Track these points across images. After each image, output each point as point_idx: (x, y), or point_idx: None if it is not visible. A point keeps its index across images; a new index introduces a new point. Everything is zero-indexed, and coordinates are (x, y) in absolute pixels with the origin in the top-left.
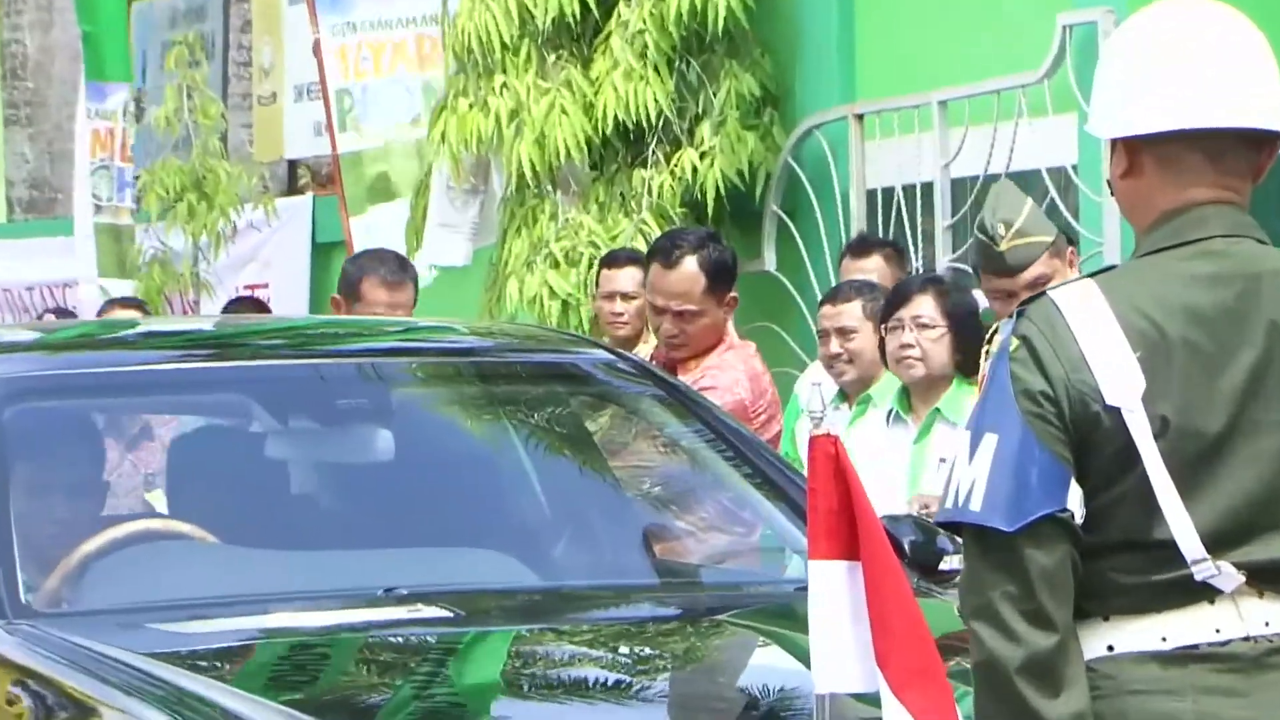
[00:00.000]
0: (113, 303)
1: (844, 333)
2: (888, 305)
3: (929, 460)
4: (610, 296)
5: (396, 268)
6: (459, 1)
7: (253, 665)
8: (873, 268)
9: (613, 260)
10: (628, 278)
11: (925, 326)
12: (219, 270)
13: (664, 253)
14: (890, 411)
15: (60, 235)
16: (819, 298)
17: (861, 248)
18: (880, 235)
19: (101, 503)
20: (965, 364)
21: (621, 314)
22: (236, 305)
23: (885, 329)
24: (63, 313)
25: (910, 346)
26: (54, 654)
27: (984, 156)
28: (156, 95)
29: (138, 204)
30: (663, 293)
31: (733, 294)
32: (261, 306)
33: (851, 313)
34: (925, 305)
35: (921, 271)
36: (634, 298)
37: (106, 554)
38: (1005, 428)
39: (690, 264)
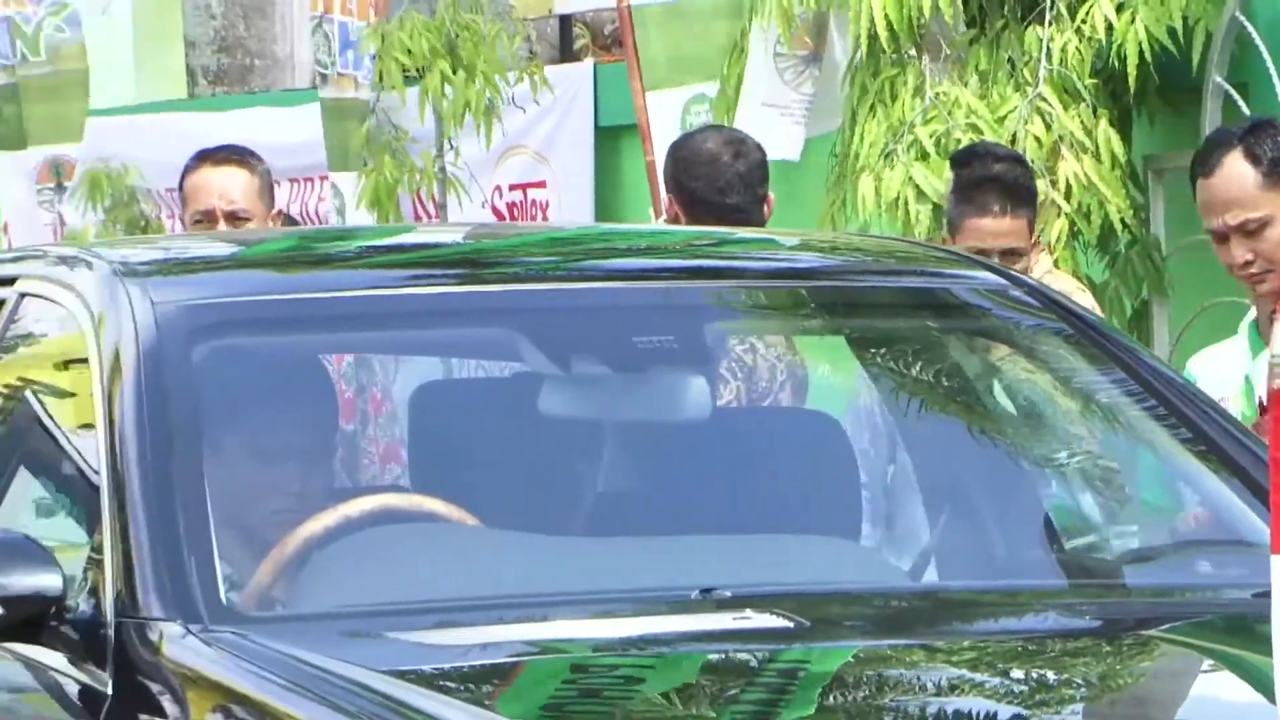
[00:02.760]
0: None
1: (1244, 229)
2: None
3: None
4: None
5: (728, 140)
6: None
7: (524, 690)
8: None
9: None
10: None
11: None
12: (472, 164)
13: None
14: None
15: (260, 109)
16: None
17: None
18: None
19: (327, 472)
20: None
21: None
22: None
23: None
24: (285, 220)
25: None
26: (265, 670)
27: None
28: None
29: (376, 74)
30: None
31: None
32: (294, 224)
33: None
34: None
35: None
36: None
37: (334, 540)
38: None
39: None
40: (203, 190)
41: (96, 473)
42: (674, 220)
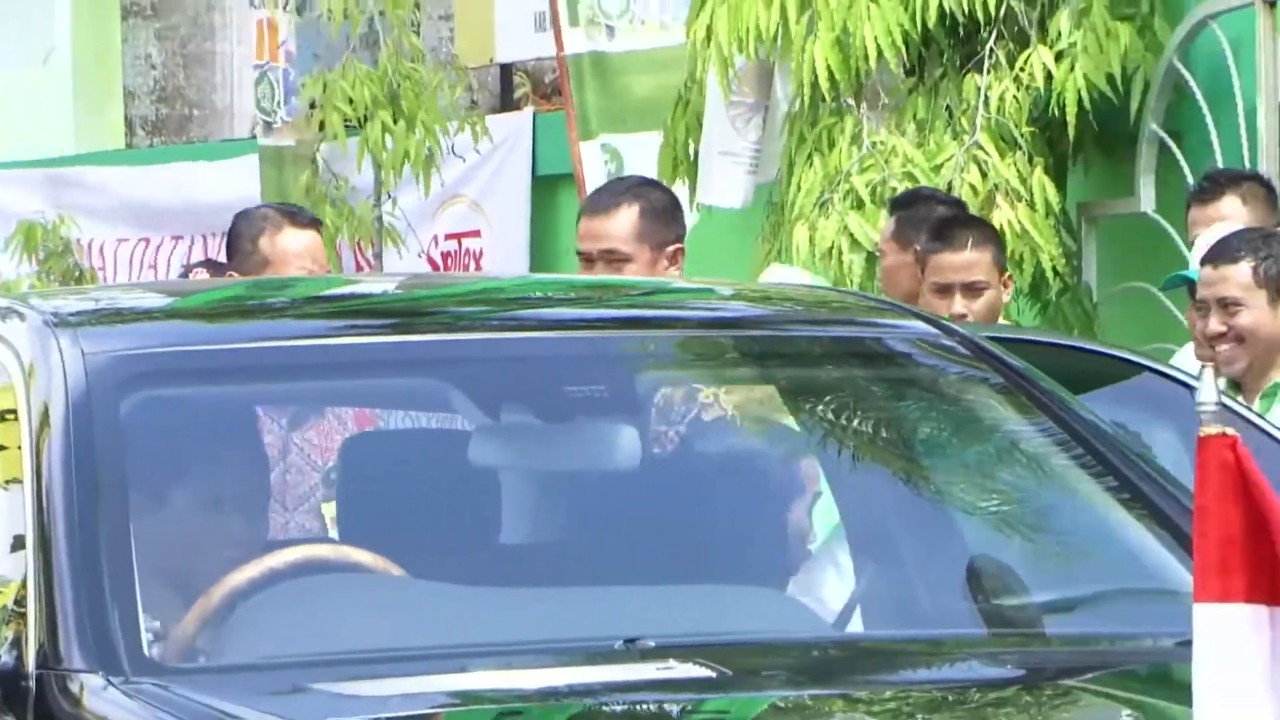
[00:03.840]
0: (196, 268)
1: (1227, 305)
2: None
3: None
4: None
5: (611, 191)
6: None
7: None
8: (1227, 213)
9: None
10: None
11: None
12: (410, 214)
13: None
14: None
15: (202, 162)
16: None
17: (1209, 189)
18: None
19: (254, 523)
20: None
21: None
22: (194, 272)
23: None
24: (216, 268)
25: None
26: None
27: None
28: None
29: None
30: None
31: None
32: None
33: (1237, 277)
34: None
35: None
36: None
37: (258, 591)
38: None
39: None
40: (294, 254)
41: (24, 523)
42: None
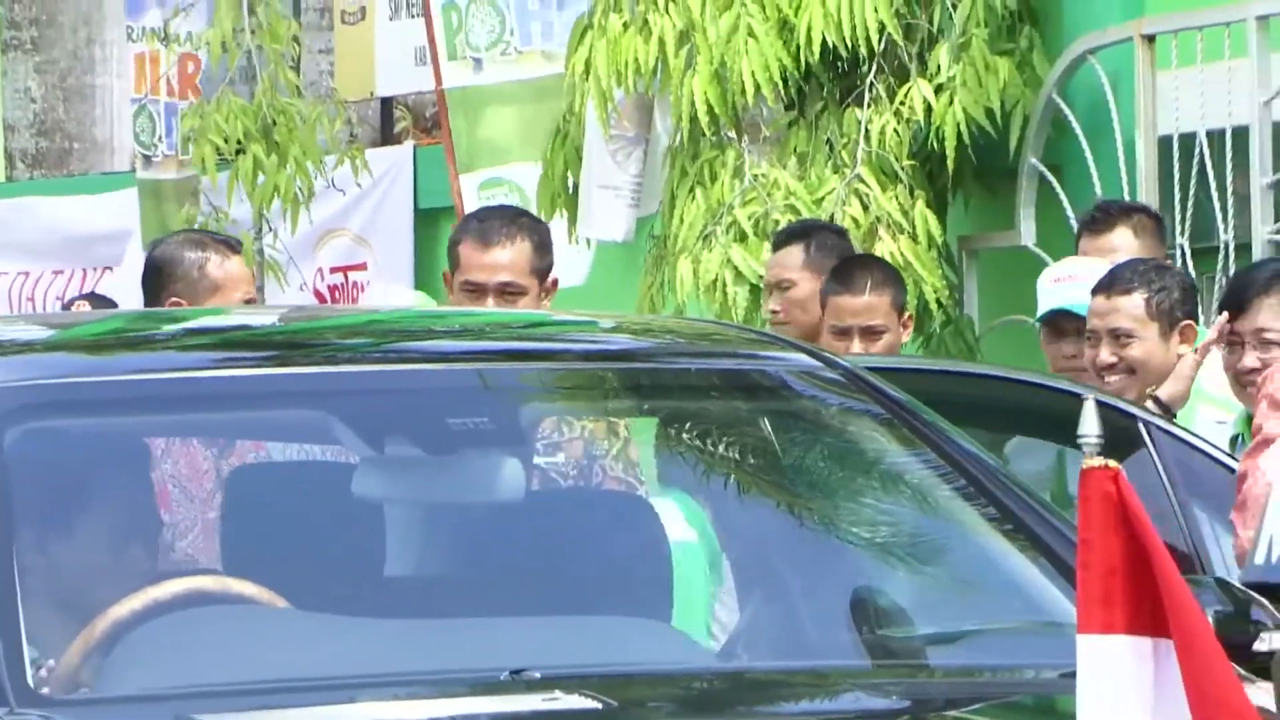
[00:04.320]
0: (77, 301)
1: (1118, 336)
2: (1221, 309)
3: None
4: (767, 287)
5: (504, 222)
6: None
7: None
8: (1118, 245)
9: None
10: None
11: (1272, 345)
12: (292, 247)
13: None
14: (1236, 437)
15: (82, 195)
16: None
17: (1100, 220)
18: (1180, 193)
19: (139, 555)
20: None
21: (777, 311)
22: (75, 305)
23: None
24: (100, 301)
25: (1253, 372)
26: None
27: None
28: (203, 8)
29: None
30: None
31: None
32: (110, 305)
33: (1130, 309)
34: (1271, 312)
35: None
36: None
37: (143, 622)
38: None
39: None
40: (244, 280)
41: None
42: (450, 293)
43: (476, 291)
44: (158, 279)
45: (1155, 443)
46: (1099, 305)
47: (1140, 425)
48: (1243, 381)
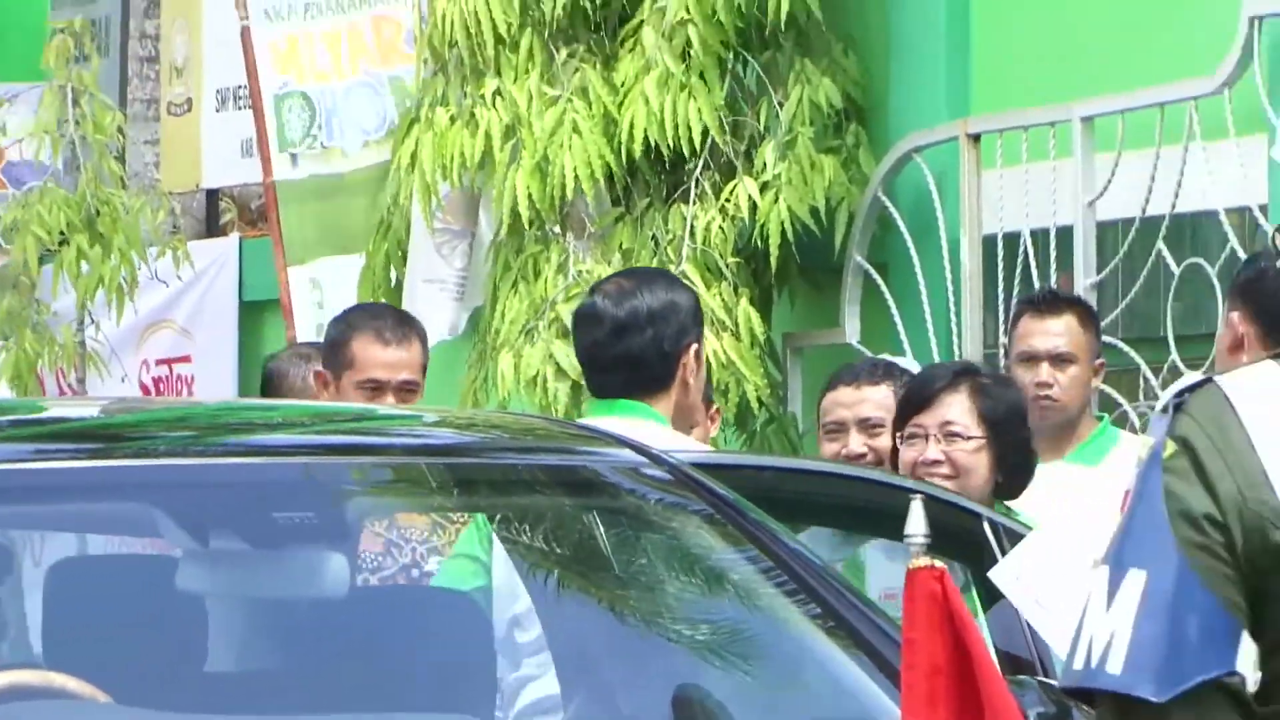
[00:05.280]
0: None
1: (868, 426)
2: (904, 406)
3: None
4: None
5: (397, 320)
6: None
7: None
8: (1059, 331)
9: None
10: None
11: (956, 436)
12: (114, 339)
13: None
14: None
15: None
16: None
17: (1048, 304)
18: (1004, 293)
19: None
20: (1007, 486)
21: None
22: None
23: (901, 438)
24: None
25: (938, 463)
26: None
27: (1141, 192)
28: (30, 99)
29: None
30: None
31: None
32: None
33: (878, 400)
34: (956, 407)
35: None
36: None
37: None
38: (1156, 562)
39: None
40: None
41: None
42: (323, 391)
43: (378, 390)
44: (273, 393)
45: (999, 542)
46: (845, 396)
47: (985, 524)
48: (921, 474)
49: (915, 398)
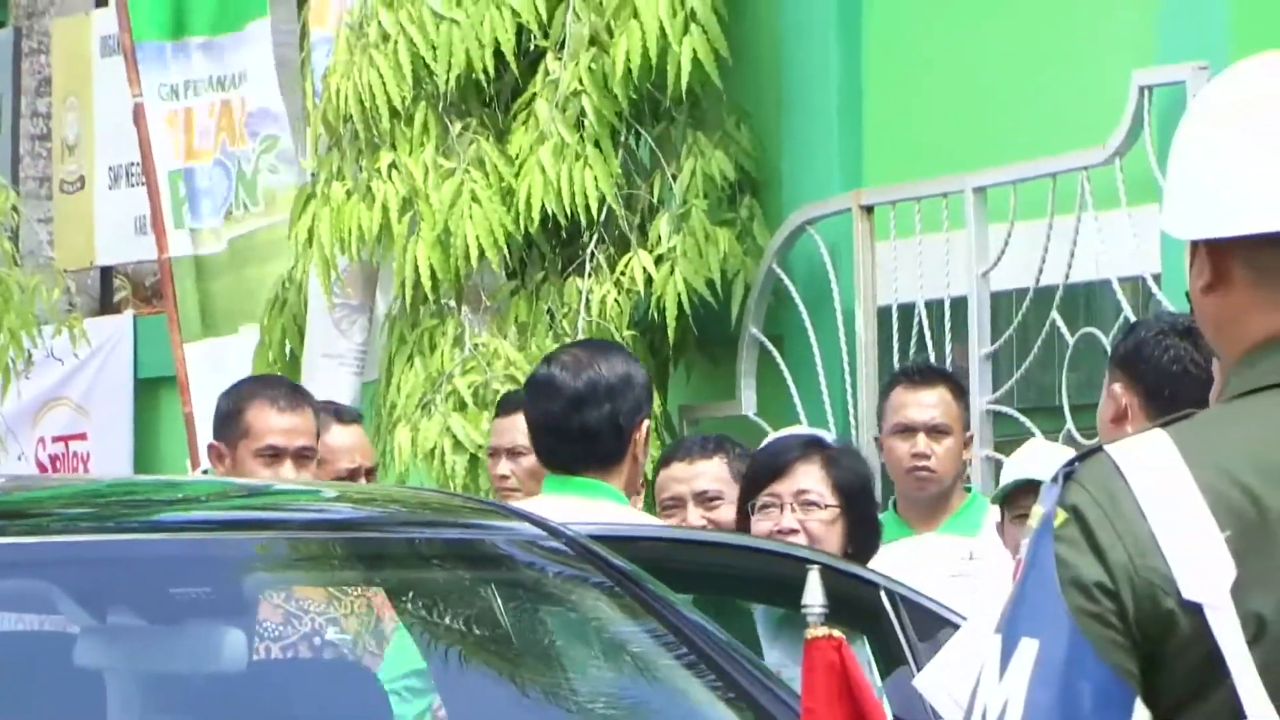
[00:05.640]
0: None
1: (706, 500)
2: (755, 476)
3: None
4: (495, 453)
5: (289, 388)
6: (330, 54)
7: None
8: (933, 403)
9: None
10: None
11: (812, 505)
12: (10, 417)
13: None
14: None
15: None
16: None
17: (922, 376)
18: (899, 363)
19: None
20: (856, 557)
21: (508, 477)
22: None
23: (753, 508)
24: None
25: (794, 532)
26: None
27: (1034, 262)
28: None
29: None
30: None
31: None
32: None
33: (713, 473)
34: (810, 477)
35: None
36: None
37: None
38: (1048, 631)
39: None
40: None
41: None
42: (218, 464)
43: (276, 456)
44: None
45: (897, 610)
46: (680, 471)
47: (882, 593)
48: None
49: (767, 468)
